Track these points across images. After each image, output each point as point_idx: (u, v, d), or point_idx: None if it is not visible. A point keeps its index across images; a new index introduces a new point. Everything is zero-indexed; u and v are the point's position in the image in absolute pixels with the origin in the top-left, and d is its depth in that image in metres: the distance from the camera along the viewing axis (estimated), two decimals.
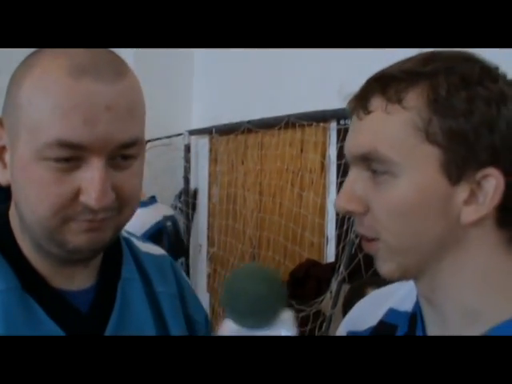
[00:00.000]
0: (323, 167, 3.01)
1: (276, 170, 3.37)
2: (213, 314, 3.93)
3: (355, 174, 0.72)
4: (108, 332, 0.82)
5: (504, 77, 0.70)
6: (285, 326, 0.71)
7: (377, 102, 0.69)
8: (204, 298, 4.12)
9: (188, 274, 4.15)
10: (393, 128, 0.68)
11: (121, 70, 0.75)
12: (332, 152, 2.97)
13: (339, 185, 2.85)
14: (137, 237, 0.98)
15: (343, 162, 2.80)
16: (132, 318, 0.85)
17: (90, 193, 0.72)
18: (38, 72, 0.73)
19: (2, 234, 0.82)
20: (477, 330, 0.69)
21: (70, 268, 0.82)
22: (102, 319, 0.83)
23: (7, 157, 0.77)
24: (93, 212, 0.73)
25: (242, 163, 3.74)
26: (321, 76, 3.03)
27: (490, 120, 0.66)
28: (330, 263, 2.77)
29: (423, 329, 0.76)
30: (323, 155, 3.02)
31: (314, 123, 2.98)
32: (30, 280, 0.79)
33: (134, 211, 0.81)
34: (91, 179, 0.72)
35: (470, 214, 0.68)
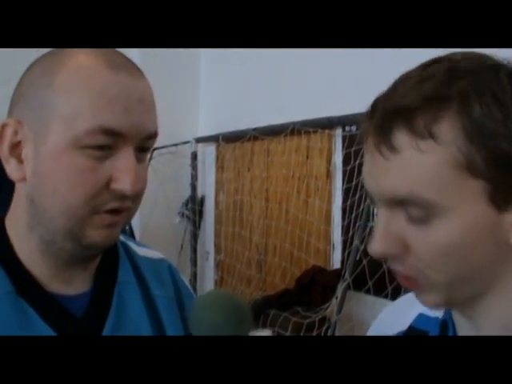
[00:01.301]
0: (329, 173, 3.01)
1: (282, 176, 3.37)
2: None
3: (387, 215, 0.66)
4: (104, 335, 0.82)
5: None
6: None
7: (404, 139, 0.62)
8: None
9: (195, 281, 4.15)
10: (430, 168, 0.61)
11: (141, 70, 0.81)
12: (337, 158, 2.97)
13: (345, 191, 2.84)
14: (134, 241, 0.98)
15: (349, 168, 2.79)
16: (128, 321, 0.85)
17: (124, 179, 0.76)
18: (73, 64, 0.76)
19: None
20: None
21: (68, 271, 0.83)
22: (98, 323, 0.83)
23: (24, 152, 0.78)
24: (121, 200, 0.77)
25: (249, 170, 3.74)
26: (326, 83, 3.03)
27: None
28: (336, 270, 2.76)
29: (455, 335, 0.73)
30: (329, 162, 3.02)
31: (320, 130, 2.98)
32: (25, 285, 0.80)
33: (139, 206, 0.83)
34: (125, 166, 0.76)
35: None
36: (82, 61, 0.76)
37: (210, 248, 4.27)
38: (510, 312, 0.67)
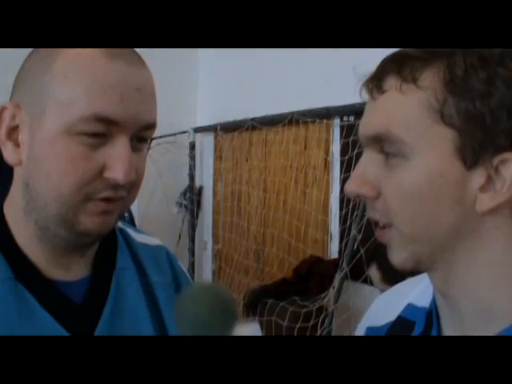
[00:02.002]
0: (326, 164, 3.01)
1: (280, 166, 3.38)
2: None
3: (367, 157, 0.69)
4: (102, 321, 0.82)
5: None
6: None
7: (391, 82, 0.66)
8: None
9: (193, 271, 4.16)
10: (406, 108, 0.65)
11: (142, 59, 0.80)
12: (335, 148, 2.97)
13: (342, 181, 2.85)
14: (132, 227, 0.99)
15: (346, 158, 2.80)
16: (126, 307, 0.85)
17: (117, 168, 0.75)
18: (72, 51, 0.75)
19: None
20: (492, 328, 0.66)
21: (66, 257, 0.83)
22: (96, 309, 0.83)
23: (21, 136, 0.78)
24: (114, 189, 0.76)
25: (247, 160, 3.75)
26: (324, 73, 3.03)
27: (510, 103, 0.62)
28: (333, 259, 2.77)
29: (438, 327, 0.73)
30: (327, 152, 3.02)
31: (318, 120, 2.98)
32: (23, 270, 0.80)
33: (136, 195, 0.82)
34: (119, 155, 0.75)
35: (486, 201, 0.64)
36: (79, 48, 0.76)
37: (208, 238, 4.28)
38: (482, 290, 0.67)
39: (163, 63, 3.96)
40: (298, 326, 2.47)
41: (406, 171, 0.65)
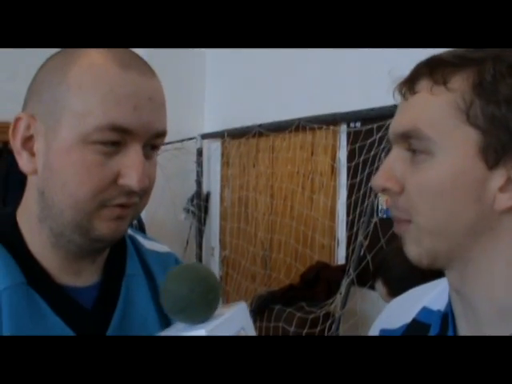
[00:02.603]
0: (333, 170, 3.02)
1: (287, 173, 3.39)
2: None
3: (395, 154, 0.73)
4: (112, 327, 0.84)
5: None
6: (236, 318, 0.72)
7: (423, 84, 0.70)
8: None
9: None
10: (435, 108, 0.69)
11: (152, 69, 0.82)
12: (342, 155, 2.98)
13: (349, 187, 2.86)
14: (142, 234, 1.00)
15: (353, 164, 2.81)
16: (136, 313, 0.87)
17: (131, 175, 0.77)
18: (86, 62, 0.77)
19: (10, 233, 0.84)
20: (509, 327, 0.67)
21: (77, 263, 0.85)
22: (106, 315, 0.85)
23: (36, 146, 0.80)
24: (128, 195, 0.78)
25: (254, 166, 3.76)
26: (331, 80, 3.04)
27: None
28: (340, 265, 2.77)
29: (454, 328, 0.75)
30: (333, 158, 3.03)
31: (324, 126, 3.00)
32: (36, 276, 0.82)
33: (147, 202, 0.84)
34: (133, 162, 0.77)
35: (504, 200, 0.66)
36: (94, 59, 0.78)
37: (216, 244, 4.29)
38: (499, 290, 0.68)
39: (171, 70, 3.99)
40: (305, 331, 2.47)
41: (431, 167, 0.69)
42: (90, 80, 0.76)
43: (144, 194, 0.81)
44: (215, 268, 4.26)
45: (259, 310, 2.79)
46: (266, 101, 3.62)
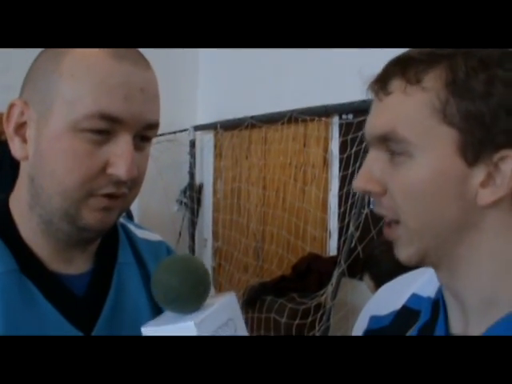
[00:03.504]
0: (325, 162, 3.03)
1: (279, 164, 3.40)
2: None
3: (374, 155, 0.72)
4: (103, 314, 0.85)
5: None
6: (225, 309, 0.73)
7: (396, 84, 0.69)
8: (210, 293, 4.15)
9: None
10: (411, 109, 0.68)
11: (147, 61, 0.83)
12: (334, 146, 2.99)
13: (341, 179, 2.87)
14: (133, 223, 1.01)
15: (345, 156, 2.82)
16: (128, 300, 0.88)
17: (119, 165, 0.77)
18: (79, 51, 0.78)
19: (2, 220, 0.85)
20: (494, 315, 0.69)
21: (69, 251, 0.85)
22: (97, 302, 0.85)
23: (28, 132, 0.80)
24: (116, 185, 0.79)
25: (246, 158, 3.77)
26: (323, 71, 3.05)
27: (508, 103, 0.65)
28: (332, 257, 2.79)
29: (445, 316, 0.76)
30: (325, 150, 3.04)
31: (317, 118, 3.00)
32: (28, 263, 0.82)
33: (138, 194, 0.85)
34: (122, 152, 0.78)
35: (486, 195, 0.67)
36: (86, 48, 0.78)
37: (208, 235, 4.30)
38: (484, 281, 0.70)
39: (164, 61, 3.97)
40: (296, 322, 2.49)
41: (411, 169, 0.69)
42: (83, 69, 0.77)
43: (134, 185, 0.82)
44: (208, 259, 4.27)
45: (251, 301, 2.81)
46: (259, 92, 3.62)
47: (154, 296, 0.74)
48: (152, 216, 4.02)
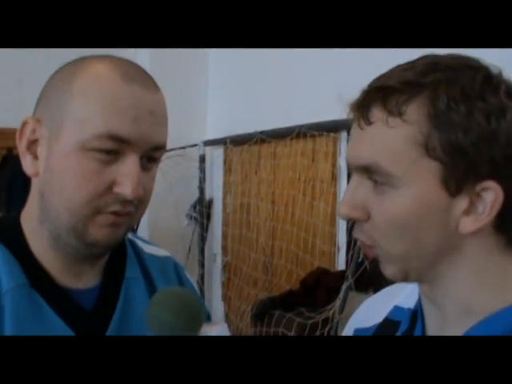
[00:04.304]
0: (334, 176, 3.05)
1: (288, 179, 3.41)
2: (226, 322, 3.97)
3: (357, 182, 0.73)
4: (111, 328, 0.87)
5: (506, 84, 0.69)
6: None
7: (378, 114, 0.69)
8: (219, 307, 4.16)
9: (203, 282, 4.19)
10: (393, 142, 0.68)
11: (156, 84, 0.85)
12: (342, 161, 3.00)
13: None
14: (141, 239, 1.03)
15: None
16: (134, 315, 0.90)
17: (126, 184, 0.80)
18: (91, 72, 0.81)
19: (13, 236, 0.87)
20: (470, 321, 0.72)
21: (77, 266, 0.88)
22: (105, 316, 0.88)
23: (40, 149, 0.83)
24: (122, 204, 0.81)
25: (256, 173, 3.79)
26: (331, 87, 3.07)
27: (489, 134, 0.66)
28: (340, 271, 2.79)
29: (423, 324, 0.79)
30: (334, 164, 3.06)
31: (325, 133, 3.02)
32: (38, 278, 0.85)
33: (144, 212, 0.87)
34: (128, 172, 0.80)
35: (468, 224, 0.69)
36: (99, 70, 0.81)
37: (218, 250, 4.31)
38: (464, 294, 0.73)
39: (173, 76, 4.02)
40: None
41: (394, 199, 0.70)
42: (94, 90, 0.80)
43: (140, 204, 0.84)
44: (217, 274, 4.28)
45: (259, 316, 2.82)
46: (268, 108, 3.65)
47: (148, 326, 0.75)
48: (162, 230, 4.04)
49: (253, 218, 3.77)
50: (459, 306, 0.73)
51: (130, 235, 0.98)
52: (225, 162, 4.22)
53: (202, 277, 4.18)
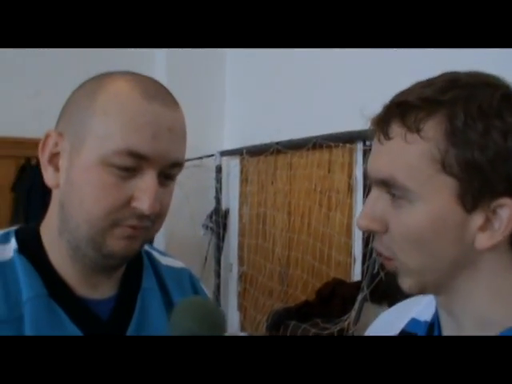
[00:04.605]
0: (350, 187, 3.05)
1: (304, 190, 3.42)
2: (242, 332, 3.97)
3: (376, 195, 0.75)
4: None
5: None
6: None
7: (397, 129, 0.71)
8: (234, 317, 4.17)
9: (219, 292, 4.20)
10: (411, 157, 0.70)
11: (176, 101, 0.87)
12: (358, 172, 3.01)
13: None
14: (158, 250, 1.05)
15: (369, 182, 2.83)
16: (150, 325, 0.92)
17: (143, 199, 0.82)
18: (112, 90, 0.83)
19: (33, 247, 0.89)
20: (487, 333, 0.73)
21: (95, 277, 0.90)
22: (121, 326, 0.89)
23: (61, 162, 0.86)
24: (139, 218, 0.83)
25: (272, 183, 3.80)
26: (347, 98, 3.08)
27: (505, 152, 0.67)
28: (356, 282, 2.79)
29: (439, 335, 0.80)
30: (350, 175, 3.06)
31: (341, 144, 3.03)
32: (56, 288, 0.87)
33: (161, 226, 0.89)
34: (146, 187, 0.82)
35: (484, 240, 0.70)
36: (120, 87, 0.83)
37: (234, 260, 4.32)
38: (482, 308, 0.74)
39: (191, 87, 4.05)
40: None
41: (411, 214, 0.71)
42: (114, 107, 0.82)
43: (156, 218, 0.86)
44: (233, 284, 4.29)
45: (274, 326, 2.82)
46: (284, 119, 3.67)
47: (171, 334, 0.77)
48: (178, 240, 4.06)
49: (269, 228, 3.78)
50: (476, 318, 0.75)
51: (146, 247, 1.00)
52: (241, 172, 4.24)
53: (218, 287, 4.19)
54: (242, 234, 4.21)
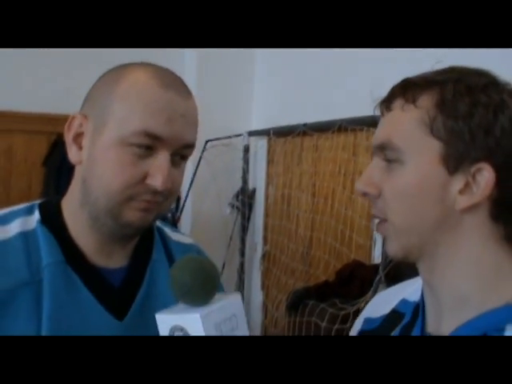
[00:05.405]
0: None
1: (329, 172, 3.45)
2: (263, 311, 4.04)
3: (374, 163, 0.85)
4: (135, 304, 0.96)
5: (511, 89, 0.80)
6: (230, 305, 0.82)
7: (397, 103, 0.83)
8: (258, 295, 4.23)
9: (242, 271, 4.25)
10: (405, 123, 0.80)
11: (189, 91, 0.95)
12: None
13: None
14: (169, 227, 1.12)
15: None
16: (157, 293, 0.99)
17: (157, 177, 0.90)
18: (132, 78, 0.92)
19: (54, 218, 0.97)
20: (464, 315, 0.78)
21: (111, 246, 0.97)
22: (131, 293, 0.97)
23: (84, 141, 0.94)
24: (153, 194, 0.91)
25: (298, 165, 3.83)
26: (373, 83, 3.09)
27: (486, 124, 0.76)
28: (375, 265, 2.82)
29: (423, 316, 0.86)
30: None
31: (365, 128, 3.05)
32: (73, 256, 0.95)
33: (173, 203, 0.96)
34: (160, 166, 0.90)
35: (463, 201, 0.78)
36: (139, 76, 0.92)
37: (259, 240, 4.37)
38: (460, 280, 0.80)
39: (222, 70, 4.10)
40: (335, 327, 2.55)
41: (402, 174, 0.80)
42: (134, 94, 0.90)
43: (169, 195, 0.94)
44: (257, 263, 4.34)
45: (294, 305, 2.88)
46: (311, 101, 3.69)
47: (171, 288, 0.84)
48: (205, 218, 4.12)
49: (293, 209, 3.82)
50: (455, 294, 0.80)
51: (158, 223, 1.07)
52: (268, 152, 4.28)
53: (241, 265, 4.24)
54: (267, 214, 4.26)
